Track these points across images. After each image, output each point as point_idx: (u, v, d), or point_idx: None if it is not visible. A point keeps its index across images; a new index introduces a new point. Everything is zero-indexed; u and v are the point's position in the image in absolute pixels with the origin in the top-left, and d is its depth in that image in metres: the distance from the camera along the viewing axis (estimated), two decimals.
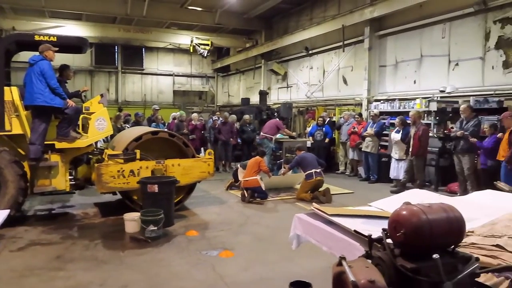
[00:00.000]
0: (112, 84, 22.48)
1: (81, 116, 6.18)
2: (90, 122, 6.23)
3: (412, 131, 8.38)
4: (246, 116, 12.17)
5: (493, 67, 8.71)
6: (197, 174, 6.85)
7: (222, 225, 6.07)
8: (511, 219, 1.98)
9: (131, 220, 5.57)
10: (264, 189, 7.69)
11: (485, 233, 1.97)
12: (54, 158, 5.98)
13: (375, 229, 2.85)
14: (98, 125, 6.26)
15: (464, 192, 7.86)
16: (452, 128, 7.94)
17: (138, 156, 6.38)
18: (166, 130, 10.17)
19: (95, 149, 6.74)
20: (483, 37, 8.88)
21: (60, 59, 6.96)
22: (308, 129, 13.14)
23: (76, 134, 6.19)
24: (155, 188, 5.77)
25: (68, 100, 5.97)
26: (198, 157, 7.20)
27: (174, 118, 12.01)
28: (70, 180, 6.33)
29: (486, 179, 7.24)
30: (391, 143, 10.09)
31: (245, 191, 7.69)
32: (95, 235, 5.47)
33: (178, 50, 23.16)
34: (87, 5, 15.19)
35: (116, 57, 22.23)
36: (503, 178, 6.69)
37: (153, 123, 11.36)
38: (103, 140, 10.21)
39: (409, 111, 9.71)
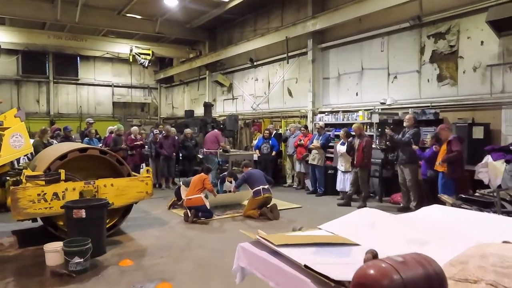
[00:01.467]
0: (43, 95, 20.85)
1: None
2: (4, 138, 5.43)
3: (356, 142, 8.36)
4: (188, 130, 11.61)
5: (428, 80, 8.99)
6: (133, 195, 6.25)
7: (161, 251, 5.51)
8: (483, 255, 1.73)
9: (53, 251, 4.86)
10: (209, 208, 7.22)
11: (456, 275, 1.71)
12: None
13: (327, 261, 2.53)
14: (14, 142, 5.48)
15: (407, 203, 7.94)
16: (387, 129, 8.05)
17: (63, 176, 5.66)
18: (97, 146, 9.42)
19: (11, 170, 5.90)
20: (419, 51, 9.16)
21: None
22: (255, 142, 12.89)
23: None
24: (82, 213, 5.11)
25: None
26: (135, 175, 6.59)
27: (111, 132, 11.18)
28: None
29: (427, 189, 7.35)
30: (336, 155, 10.09)
31: (188, 211, 7.17)
32: (7, 272, 4.68)
33: (117, 60, 22.08)
34: (11, 8, 13.82)
35: (47, 65, 20.65)
36: (440, 189, 6.78)
37: (86, 138, 10.48)
38: (28, 158, 9.22)
39: (353, 123, 9.79)
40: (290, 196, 9.44)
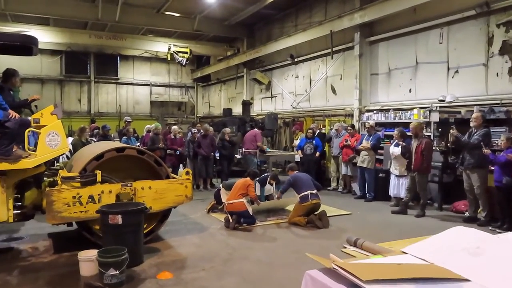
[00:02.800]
0: (84, 94, 21.17)
1: (28, 130, 5.04)
2: (40, 137, 5.10)
3: (414, 144, 7.54)
4: (227, 129, 11.09)
5: (497, 74, 8.00)
6: (172, 199, 5.79)
7: (202, 261, 5.00)
8: None
9: (88, 261, 4.46)
10: (251, 214, 6.66)
11: None
12: None
13: None
14: (50, 141, 5.13)
15: (475, 212, 7.05)
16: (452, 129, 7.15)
17: (99, 178, 5.28)
18: (134, 146, 9.12)
19: (47, 170, 5.59)
20: (486, 42, 8.19)
21: (25, 66, 5.83)
22: (296, 142, 12.25)
23: (22, 152, 5.05)
24: (119, 219, 4.68)
25: (10, 111, 4.84)
26: (174, 177, 6.14)
27: (148, 131, 10.88)
28: (15, 208, 5.16)
29: (501, 198, 6.44)
30: (387, 157, 9.28)
31: (229, 216, 6.64)
32: (39, 282, 4.31)
33: (155, 59, 22.10)
34: (54, 9, 14.01)
35: (88, 65, 20.94)
36: None
37: (124, 137, 10.22)
38: (67, 156, 9.04)
39: (406, 122, 8.96)
40: (336, 201, 8.72)
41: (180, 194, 5.87)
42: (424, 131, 7.76)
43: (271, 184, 7.81)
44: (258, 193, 7.44)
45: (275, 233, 6.38)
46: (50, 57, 19.84)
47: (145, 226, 5.81)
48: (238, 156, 10.98)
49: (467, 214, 7.45)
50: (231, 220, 6.57)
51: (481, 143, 6.57)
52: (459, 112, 8.26)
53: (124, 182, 5.54)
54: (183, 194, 5.88)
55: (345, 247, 5.50)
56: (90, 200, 5.22)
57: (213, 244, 5.79)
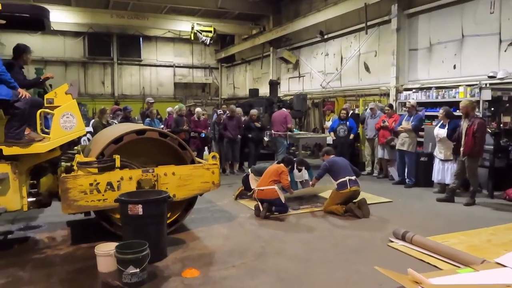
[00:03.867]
0: (108, 76, 20.91)
1: (40, 110, 4.59)
2: (54, 118, 4.65)
3: (464, 125, 6.73)
4: (254, 111, 10.44)
5: None
6: (197, 185, 5.29)
7: (232, 257, 4.50)
8: None
9: (106, 255, 4.02)
10: (284, 202, 6.10)
11: None
12: (2, 168, 4.41)
13: None
14: (65, 122, 4.68)
15: None
16: None
17: (118, 163, 4.81)
18: (157, 128, 8.68)
19: (63, 154, 5.16)
20: None
21: (48, 48, 5.36)
22: (328, 123, 11.54)
23: (35, 135, 4.63)
24: (139, 209, 4.21)
25: (19, 89, 4.40)
26: (200, 162, 5.63)
27: (169, 113, 10.41)
28: (30, 195, 4.78)
29: None
30: (429, 140, 8.50)
31: (259, 204, 6.11)
32: (53, 278, 3.91)
33: (178, 40, 21.55)
34: None
35: (111, 47, 20.59)
36: None
37: (148, 119, 9.79)
38: (88, 139, 8.70)
39: (450, 102, 8.17)
40: (373, 187, 8.03)
41: (207, 181, 5.35)
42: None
43: (299, 170, 7.20)
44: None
45: (311, 223, 5.81)
46: (73, 38, 19.59)
47: (168, 215, 5.38)
48: (266, 139, 10.37)
49: None
50: (261, 208, 6.04)
51: None
52: None
53: (145, 167, 5.07)
54: (209, 181, 5.37)
55: (392, 241, 4.89)
56: (109, 187, 4.77)
57: (243, 236, 5.28)
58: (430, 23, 9.64)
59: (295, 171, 7.20)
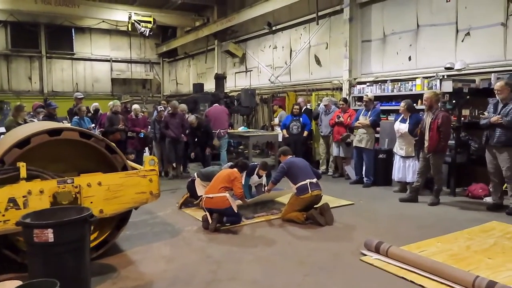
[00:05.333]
0: (35, 71, 18.83)
1: None
2: None
3: (428, 119, 6.29)
4: (192, 119, 8.87)
5: None
6: (131, 197, 4.28)
7: (176, 286, 3.56)
8: None
9: None
10: (236, 211, 5.24)
11: None
12: None
13: None
14: None
15: (501, 198, 5.93)
16: (482, 113, 5.96)
17: (23, 173, 3.69)
18: (89, 127, 7.48)
19: None
20: None
21: None
22: (276, 120, 10.87)
23: None
24: (49, 235, 3.15)
25: None
26: (135, 168, 4.61)
27: (96, 111, 9.14)
28: None
29: None
30: (384, 136, 8.08)
31: (208, 214, 5.20)
32: None
33: (115, 32, 19.91)
34: None
35: (39, 38, 18.50)
36: None
37: (76, 117, 8.47)
38: None
39: (407, 95, 7.84)
40: (330, 188, 7.39)
41: (143, 191, 4.36)
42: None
43: (259, 176, 6.38)
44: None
45: (268, 235, 5.00)
46: None
47: (95, 235, 4.35)
48: (217, 142, 9.32)
49: (487, 200, 6.38)
50: (210, 220, 5.14)
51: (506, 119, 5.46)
52: (473, 81, 7.07)
53: (63, 177, 3.98)
54: (146, 191, 4.38)
55: (364, 254, 4.21)
56: (12, 205, 3.66)
57: (189, 256, 4.35)
58: (384, 13, 9.24)
59: (255, 176, 6.34)
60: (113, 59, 20.39)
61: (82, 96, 9.48)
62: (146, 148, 9.92)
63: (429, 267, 3.66)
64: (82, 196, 4.02)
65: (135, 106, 9.37)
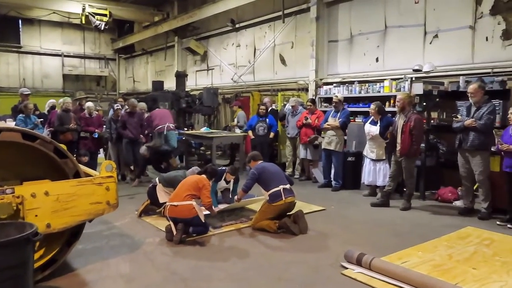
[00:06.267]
0: None
1: None
2: None
3: (400, 122, 6.15)
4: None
5: (487, 39, 6.87)
6: (85, 208, 3.72)
7: None
8: None
9: None
10: (204, 220, 4.77)
11: None
12: None
13: None
14: None
15: (472, 203, 5.89)
16: (455, 116, 5.89)
17: None
18: (20, 127, 6.69)
19: None
20: (473, 0, 6.99)
21: None
22: (235, 121, 10.47)
23: None
24: None
25: None
26: (89, 174, 4.04)
27: (52, 107, 8.33)
28: None
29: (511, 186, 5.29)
30: (351, 138, 7.92)
31: (172, 224, 4.70)
32: None
33: (67, 25, 18.68)
34: None
35: None
36: None
37: (21, 115, 7.63)
38: None
39: (375, 97, 7.78)
40: (298, 191, 6.73)
41: (99, 201, 3.81)
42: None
43: (227, 182, 5.93)
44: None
45: (240, 246, 4.59)
46: None
47: (41, 253, 3.75)
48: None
49: (457, 203, 6.34)
50: (175, 231, 4.64)
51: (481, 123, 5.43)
52: (442, 83, 7.05)
53: (1, 185, 3.37)
54: (102, 201, 3.83)
55: (345, 267, 3.91)
56: None
57: (151, 274, 3.85)
58: (351, 13, 9.11)
59: (222, 182, 5.89)
60: (64, 54, 19.12)
61: (29, 92, 8.61)
62: (101, 150, 9.20)
63: (418, 281, 3.41)
64: (25, 209, 3.43)
65: (89, 104, 8.61)
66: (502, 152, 5.36)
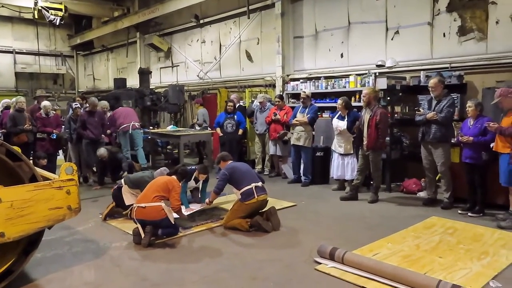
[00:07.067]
0: None
1: None
2: None
3: (366, 116, 6.22)
4: (102, 151, 7.43)
5: (444, 35, 7.08)
6: (43, 215, 3.49)
7: None
8: None
9: None
10: (173, 222, 4.61)
11: None
12: None
13: None
14: None
15: (434, 193, 6.06)
16: (417, 109, 6.03)
17: None
18: None
19: None
20: None
21: None
22: (196, 118, 10.29)
23: None
24: None
25: None
26: (48, 178, 3.79)
27: (6, 108, 7.83)
28: None
29: (474, 177, 5.46)
30: (319, 133, 7.98)
31: (140, 227, 4.51)
32: None
33: (18, 20, 17.60)
34: None
35: None
36: (505, 177, 4.95)
37: None
38: None
39: (341, 92, 7.86)
40: (268, 188, 6.62)
41: (59, 206, 3.58)
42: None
43: (197, 181, 5.77)
44: None
45: (212, 246, 4.47)
46: None
47: None
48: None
49: (421, 194, 6.51)
50: (143, 234, 4.46)
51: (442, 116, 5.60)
52: (404, 78, 7.20)
53: None
54: (63, 206, 3.61)
55: (318, 262, 3.89)
56: None
57: (120, 281, 3.66)
58: (315, 9, 9.14)
59: (192, 182, 5.72)
60: (16, 51, 18.06)
61: None
62: (60, 151, 8.76)
63: (390, 273, 3.44)
64: None
65: (45, 103, 8.13)
66: (462, 144, 5.54)
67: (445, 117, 5.63)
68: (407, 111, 7.30)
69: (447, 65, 6.90)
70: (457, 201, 5.80)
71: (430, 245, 4.33)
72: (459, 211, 5.53)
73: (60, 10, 13.90)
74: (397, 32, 7.74)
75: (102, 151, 7.26)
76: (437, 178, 6.05)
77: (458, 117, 6.34)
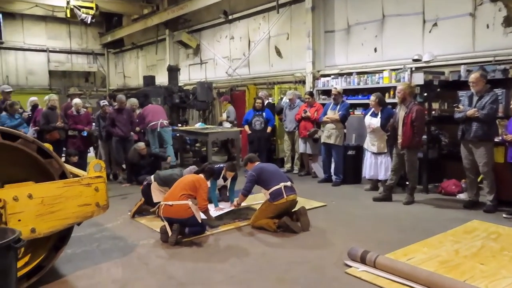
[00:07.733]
0: None
1: None
2: None
3: (401, 113, 5.93)
4: (141, 145, 7.55)
5: (488, 26, 6.66)
6: (72, 211, 3.47)
7: None
8: None
9: None
10: (200, 221, 4.53)
11: None
12: None
13: None
14: None
15: (476, 196, 5.70)
16: (456, 106, 5.69)
17: None
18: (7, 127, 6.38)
19: None
20: None
21: None
22: (224, 115, 10.19)
23: None
24: None
25: None
26: (76, 175, 3.78)
27: (35, 106, 8.00)
28: None
29: None
30: (351, 131, 7.72)
31: (167, 225, 4.45)
32: None
33: (51, 18, 18.03)
34: None
35: None
36: None
37: (4, 113, 7.29)
38: None
39: (374, 88, 7.53)
40: (297, 187, 6.43)
41: (87, 203, 3.56)
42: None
43: (225, 179, 5.65)
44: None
45: (238, 246, 4.36)
46: None
47: (26, 260, 3.49)
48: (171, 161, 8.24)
49: (461, 196, 6.16)
50: (170, 232, 4.40)
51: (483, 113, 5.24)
52: (442, 73, 6.84)
53: None
54: (91, 202, 3.59)
55: (349, 265, 3.70)
56: None
57: (147, 279, 3.60)
58: (348, 2, 8.84)
59: (220, 180, 5.62)
60: (50, 49, 18.57)
61: (11, 89, 8.24)
62: (91, 148, 8.89)
63: (425, 279, 3.21)
64: (7, 213, 3.17)
65: (76, 101, 8.22)
66: (507, 143, 5.19)
67: (487, 114, 5.28)
68: (445, 108, 6.93)
69: (491, 59, 6.49)
70: (502, 204, 5.44)
71: (471, 251, 4.04)
72: (504, 215, 5.17)
73: (91, 8, 14.18)
74: (435, 25, 7.36)
75: (141, 144, 7.30)
76: (479, 179, 5.71)
77: (503, 114, 5.94)
